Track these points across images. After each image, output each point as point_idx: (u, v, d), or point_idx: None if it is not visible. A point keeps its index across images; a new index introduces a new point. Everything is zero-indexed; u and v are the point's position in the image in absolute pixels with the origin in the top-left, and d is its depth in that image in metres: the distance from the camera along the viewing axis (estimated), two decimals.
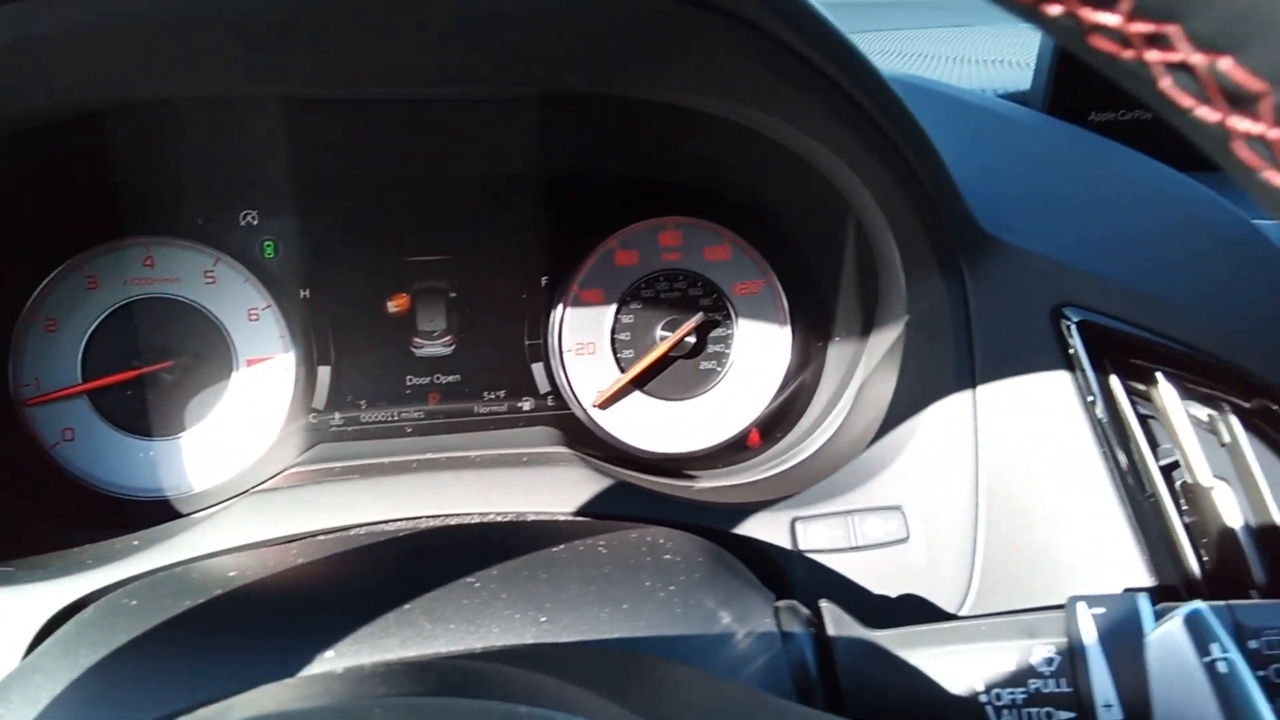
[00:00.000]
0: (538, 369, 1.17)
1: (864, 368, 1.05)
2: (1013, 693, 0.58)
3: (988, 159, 1.03)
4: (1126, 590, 0.80)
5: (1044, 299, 0.90)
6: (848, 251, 1.08)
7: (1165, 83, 0.26)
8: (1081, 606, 0.59)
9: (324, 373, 1.12)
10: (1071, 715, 0.56)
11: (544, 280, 1.16)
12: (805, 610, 0.68)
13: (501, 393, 1.17)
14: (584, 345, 1.18)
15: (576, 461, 0.98)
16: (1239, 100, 0.25)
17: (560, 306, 1.16)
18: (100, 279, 1.06)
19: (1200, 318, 0.89)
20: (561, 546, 0.70)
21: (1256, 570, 0.82)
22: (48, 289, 1.04)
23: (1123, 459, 0.87)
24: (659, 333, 1.17)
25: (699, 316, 1.17)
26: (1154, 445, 0.88)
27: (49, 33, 0.68)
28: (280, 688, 0.44)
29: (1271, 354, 0.87)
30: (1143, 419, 0.88)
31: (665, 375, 1.19)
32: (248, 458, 1.10)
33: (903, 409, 0.95)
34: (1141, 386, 0.90)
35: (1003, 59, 1.46)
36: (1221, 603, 0.56)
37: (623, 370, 1.18)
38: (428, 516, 0.85)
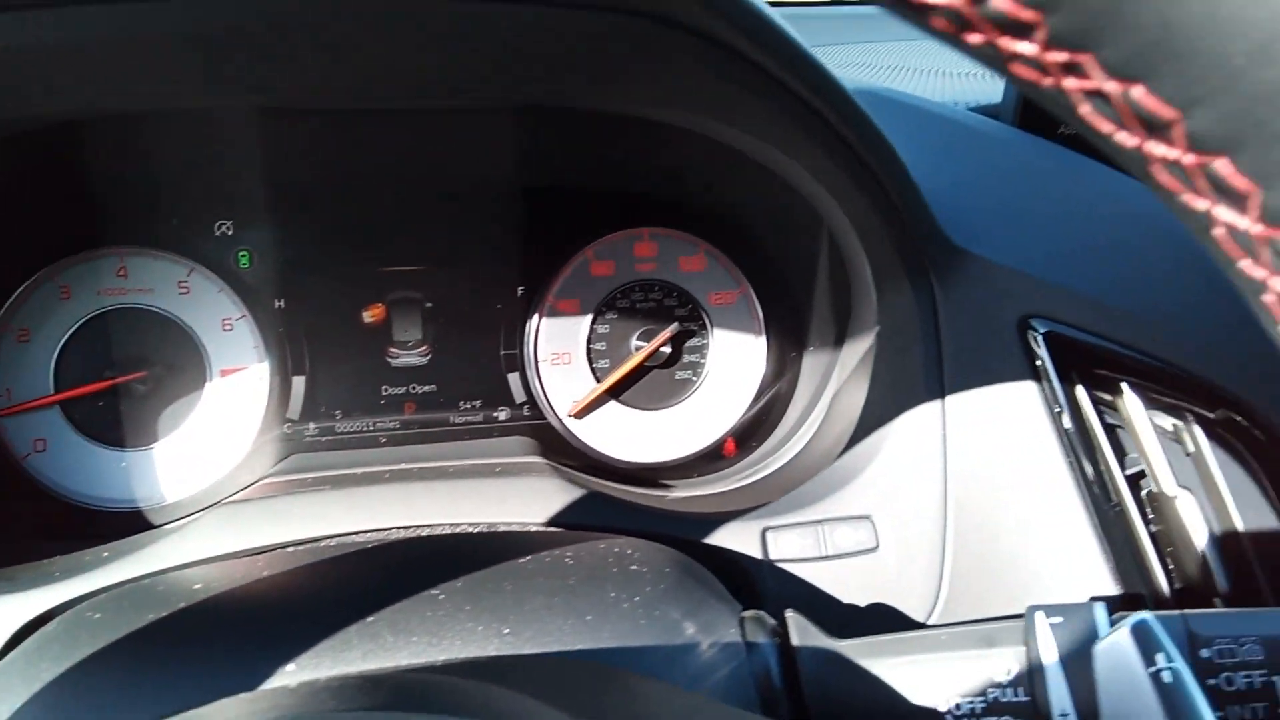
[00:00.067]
0: (513, 379, 1.18)
1: (837, 378, 1.06)
2: (972, 702, 0.59)
3: (958, 172, 1.04)
4: (1093, 599, 0.81)
5: (1011, 310, 0.91)
6: (821, 262, 1.08)
7: (1085, 109, 0.27)
8: (1039, 616, 0.59)
9: (299, 383, 1.12)
10: None
11: (519, 290, 1.17)
12: (771, 620, 0.68)
13: (477, 403, 1.17)
14: (559, 355, 1.18)
15: (550, 472, 0.98)
16: (1154, 127, 0.26)
17: (536, 316, 1.17)
18: (73, 289, 1.06)
19: (1165, 330, 0.90)
20: (529, 558, 0.70)
21: (1220, 579, 0.83)
22: (20, 299, 1.04)
23: (1089, 468, 0.88)
24: (634, 343, 1.18)
25: (674, 326, 1.18)
26: (1120, 455, 0.89)
27: (18, 46, 0.68)
28: (234, 703, 0.45)
29: (1235, 366, 0.88)
30: (1109, 429, 0.89)
31: (641, 385, 1.20)
32: (221, 468, 1.09)
33: (873, 419, 0.96)
34: (1107, 397, 0.91)
35: (975, 72, 1.48)
36: (1176, 612, 0.57)
37: (598, 380, 1.18)
38: (398, 528, 0.85)
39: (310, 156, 1.06)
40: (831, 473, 0.96)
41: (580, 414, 1.18)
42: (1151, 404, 0.90)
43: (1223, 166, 0.25)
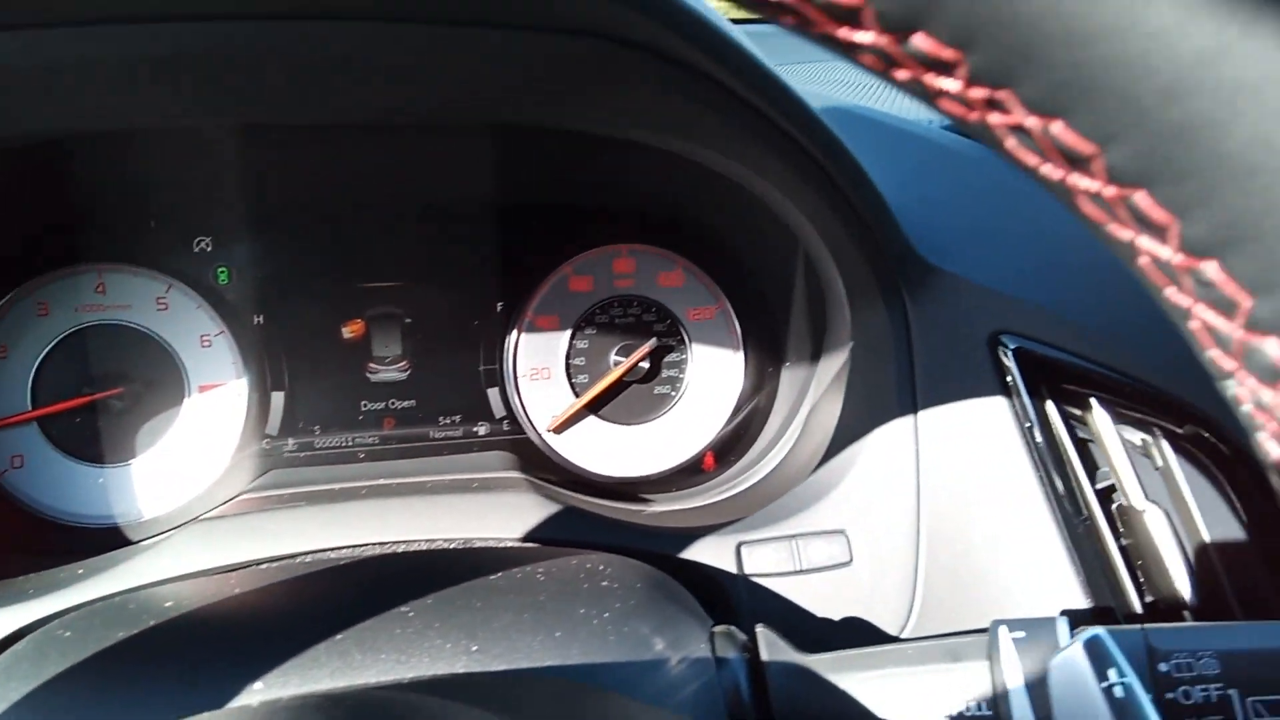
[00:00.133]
0: (493, 394, 1.18)
1: (813, 393, 1.07)
2: (937, 717, 0.59)
3: (930, 189, 1.06)
4: (1063, 612, 0.82)
5: (982, 327, 0.92)
6: (798, 278, 1.09)
7: (1010, 143, 0.27)
8: (1003, 630, 0.60)
9: (278, 398, 1.12)
10: None
11: (499, 306, 1.17)
12: (741, 635, 0.69)
13: (457, 418, 1.18)
14: (539, 370, 1.19)
15: (527, 487, 0.98)
16: (1075, 160, 0.26)
17: (515, 332, 1.17)
18: (51, 306, 1.06)
19: (1134, 346, 0.91)
20: (500, 574, 0.70)
21: (1188, 592, 0.84)
22: None
23: (1059, 483, 0.88)
24: (613, 358, 1.19)
25: (653, 342, 1.18)
26: (1090, 469, 0.90)
27: None
28: None
29: (1202, 382, 0.89)
30: (1079, 444, 0.90)
31: (620, 400, 1.20)
32: (200, 484, 1.09)
33: (847, 434, 0.97)
34: (1077, 412, 0.92)
35: None
36: (1136, 627, 0.58)
37: (577, 395, 1.19)
38: (373, 544, 0.85)
39: (289, 173, 1.07)
40: (806, 488, 0.96)
41: (559, 429, 1.19)
42: (1120, 419, 0.91)
43: (1141, 199, 0.26)
